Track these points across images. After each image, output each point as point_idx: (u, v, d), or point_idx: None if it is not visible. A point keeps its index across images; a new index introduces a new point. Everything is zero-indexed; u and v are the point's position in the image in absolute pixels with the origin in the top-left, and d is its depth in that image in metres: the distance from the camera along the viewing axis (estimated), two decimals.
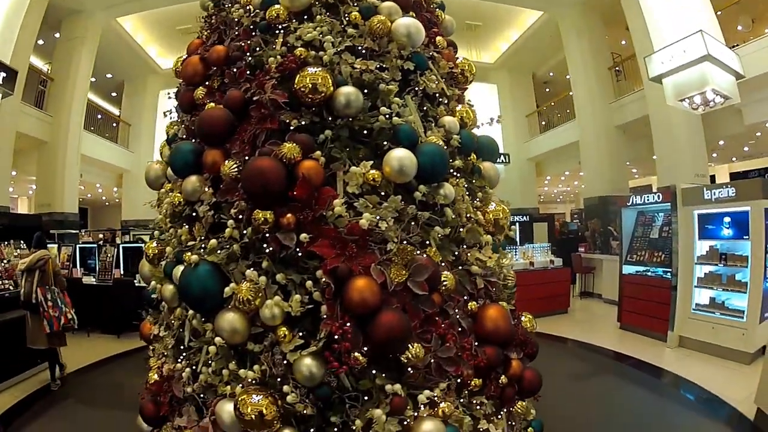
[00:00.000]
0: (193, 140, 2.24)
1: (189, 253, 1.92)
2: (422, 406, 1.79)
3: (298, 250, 1.83)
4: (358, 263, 1.80)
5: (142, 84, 14.10)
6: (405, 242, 1.90)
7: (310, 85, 1.91)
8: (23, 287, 4.47)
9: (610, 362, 5.39)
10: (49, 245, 5.73)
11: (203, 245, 1.94)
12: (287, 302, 1.79)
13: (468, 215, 2.17)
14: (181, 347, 2.09)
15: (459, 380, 1.94)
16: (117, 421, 3.54)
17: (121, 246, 7.67)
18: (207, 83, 2.25)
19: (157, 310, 2.39)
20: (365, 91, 2.03)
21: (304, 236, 1.80)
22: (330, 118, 1.98)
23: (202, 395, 1.99)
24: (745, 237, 5.29)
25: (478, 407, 1.97)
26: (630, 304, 6.65)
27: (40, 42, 10.28)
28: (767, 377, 3.63)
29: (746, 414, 3.72)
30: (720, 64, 6.24)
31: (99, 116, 13.28)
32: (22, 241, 6.49)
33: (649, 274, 6.58)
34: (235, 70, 2.14)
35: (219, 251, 1.87)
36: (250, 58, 2.09)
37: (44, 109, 10.32)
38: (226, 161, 1.95)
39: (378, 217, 1.84)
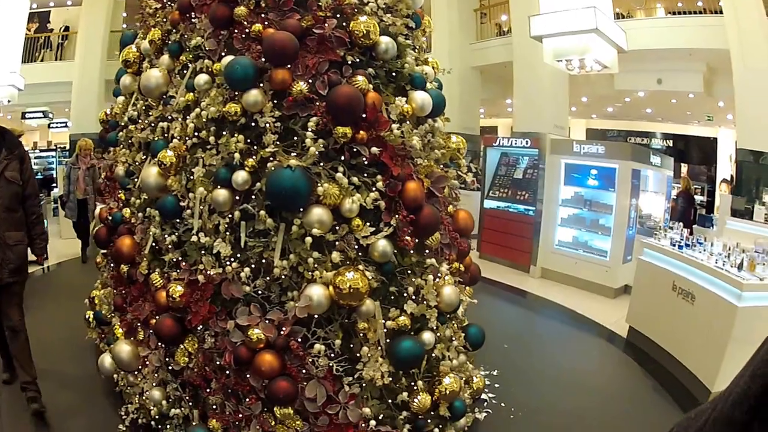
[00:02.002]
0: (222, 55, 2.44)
1: (287, 157, 2.24)
2: (441, 276, 2.66)
3: (364, 159, 2.41)
4: (406, 171, 2.52)
5: None
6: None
7: (365, 31, 2.46)
8: None
9: (484, 286, 5.63)
10: None
11: (272, 153, 2.29)
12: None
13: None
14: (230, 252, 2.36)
15: (448, 263, 2.86)
16: None
17: None
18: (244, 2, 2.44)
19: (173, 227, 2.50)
20: None
21: (375, 149, 2.39)
22: (371, 60, 2.56)
23: (261, 292, 2.35)
24: (610, 189, 6.67)
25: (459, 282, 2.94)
26: (490, 236, 7.68)
27: None
28: (636, 300, 5.24)
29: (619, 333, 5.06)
30: (606, 38, 6.64)
31: None
32: None
33: (510, 210, 7.75)
34: None
35: (304, 158, 2.27)
36: None
37: None
38: (297, 81, 2.32)
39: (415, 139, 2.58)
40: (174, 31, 2.74)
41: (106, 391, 3.40)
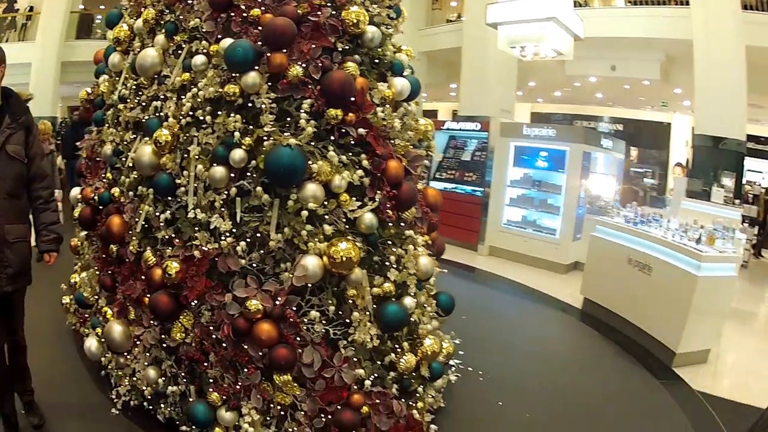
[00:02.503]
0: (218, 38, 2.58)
1: (286, 136, 2.42)
2: (419, 246, 2.92)
3: (353, 141, 2.61)
4: (387, 151, 2.74)
5: None
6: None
7: (355, 20, 2.66)
8: None
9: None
10: None
11: (269, 132, 2.46)
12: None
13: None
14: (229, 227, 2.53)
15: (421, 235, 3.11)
16: None
17: None
18: None
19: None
20: None
21: (361, 130, 2.60)
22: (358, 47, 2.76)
23: (256, 265, 2.54)
24: (560, 170, 7.22)
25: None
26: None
27: None
28: (590, 273, 5.71)
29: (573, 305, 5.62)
30: (563, 27, 6.97)
31: None
32: None
33: (458, 191, 8.12)
34: None
35: (299, 137, 2.46)
36: None
37: None
38: (293, 65, 2.49)
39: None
40: (168, 11, 2.84)
41: (93, 376, 3.43)
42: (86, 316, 3.69)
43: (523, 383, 4.05)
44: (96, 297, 3.48)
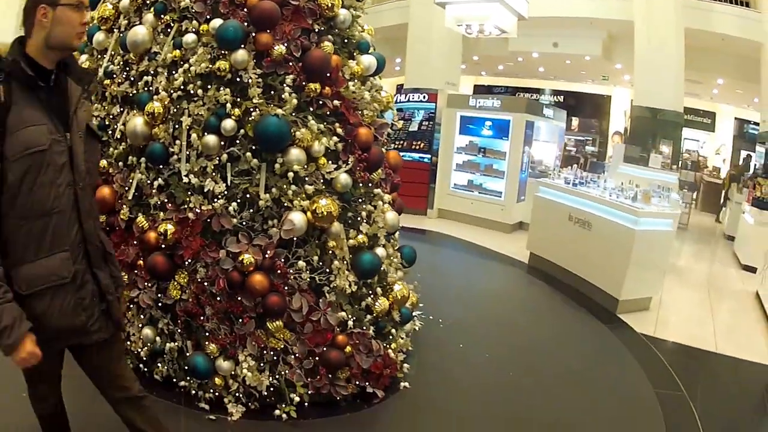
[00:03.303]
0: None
1: (272, 107, 2.77)
2: (386, 203, 3.36)
3: (329, 111, 3.00)
4: (357, 120, 3.15)
5: None
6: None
7: (329, 4, 3.02)
8: None
9: None
10: None
11: (256, 104, 2.81)
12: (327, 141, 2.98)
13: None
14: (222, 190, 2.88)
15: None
16: None
17: None
18: None
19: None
20: None
21: (336, 102, 2.99)
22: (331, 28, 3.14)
23: (246, 223, 2.90)
24: (504, 138, 7.98)
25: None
26: None
27: None
28: (535, 230, 6.37)
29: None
30: (508, 7, 7.46)
31: None
32: None
33: (406, 158, 8.47)
34: None
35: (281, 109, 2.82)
36: None
37: None
38: (277, 44, 2.83)
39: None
40: None
41: None
42: None
43: (481, 328, 4.62)
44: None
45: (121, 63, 3.23)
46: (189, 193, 2.97)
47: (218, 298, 2.98)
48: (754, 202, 8.44)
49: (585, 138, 18.25)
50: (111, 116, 3.28)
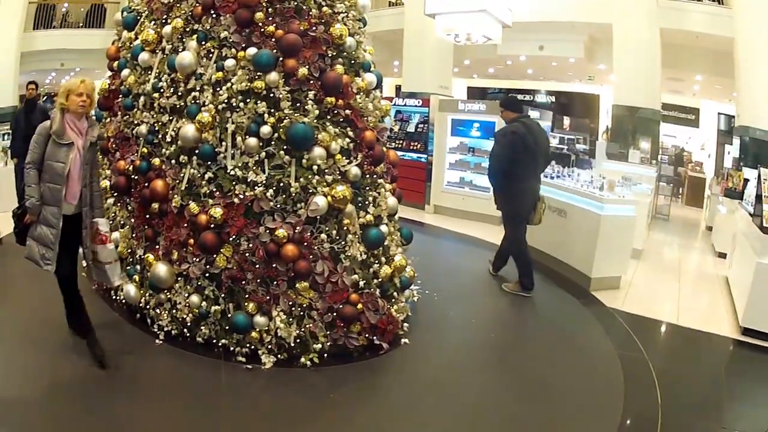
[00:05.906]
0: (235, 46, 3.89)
1: (299, 116, 3.77)
2: (387, 191, 4.36)
3: (342, 119, 3.99)
4: (364, 125, 4.16)
5: None
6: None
7: (340, 34, 4.03)
8: None
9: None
10: None
11: (287, 114, 3.81)
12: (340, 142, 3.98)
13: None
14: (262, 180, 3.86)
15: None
16: None
17: None
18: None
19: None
20: None
21: (347, 111, 3.99)
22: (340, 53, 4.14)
23: (280, 205, 3.86)
24: (491, 138, 8.46)
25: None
26: None
27: None
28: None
29: None
30: (493, 17, 8.47)
31: None
32: None
33: (405, 158, 9.76)
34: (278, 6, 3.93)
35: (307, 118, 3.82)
36: (295, 3, 3.96)
37: None
38: (301, 67, 3.83)
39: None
40: (195, 22, 4.02)
41: (130, 320, 4.33)
42: None
43: (468, 300, 5.59)
44: (130, 250, 4.59)
45: (168, 80, 4.18)
46: (233, 183, 3.94)
47: (257, 265, 3.92)
48: (726, 192, 9.43)
49: (576, 137, 19.25)
50: (161, 123, 4.23)
